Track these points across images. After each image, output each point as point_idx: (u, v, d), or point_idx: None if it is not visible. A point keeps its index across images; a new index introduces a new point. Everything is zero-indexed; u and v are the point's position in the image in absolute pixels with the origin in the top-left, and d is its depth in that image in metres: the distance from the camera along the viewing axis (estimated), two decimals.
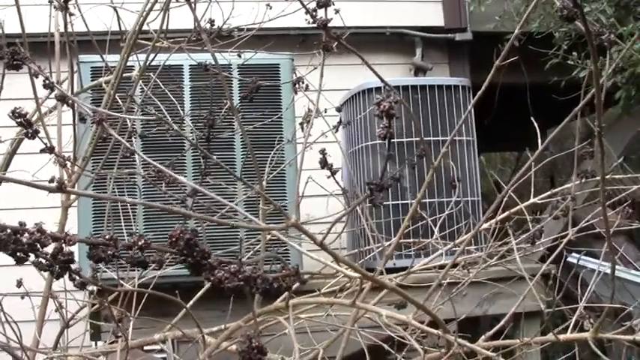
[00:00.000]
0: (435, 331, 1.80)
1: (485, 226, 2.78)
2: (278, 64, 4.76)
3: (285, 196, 4.53)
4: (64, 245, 1.06)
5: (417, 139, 4.88)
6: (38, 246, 1.05)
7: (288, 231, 2.67)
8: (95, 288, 2.81)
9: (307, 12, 1.75)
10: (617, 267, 5.59)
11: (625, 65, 5.40)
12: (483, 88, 2.10)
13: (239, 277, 1.08)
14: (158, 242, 1.23)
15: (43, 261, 1.14)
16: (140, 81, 3.14)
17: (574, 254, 5.52)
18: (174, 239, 1.03)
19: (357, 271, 1.59)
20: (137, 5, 3.09)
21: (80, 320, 3.31)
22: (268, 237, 3.25)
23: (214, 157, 1.46)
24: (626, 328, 1.88)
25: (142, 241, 1.09)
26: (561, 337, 1.96)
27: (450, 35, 6.92)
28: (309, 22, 1.77)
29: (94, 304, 3.34)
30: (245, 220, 1.33)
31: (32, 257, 1.13)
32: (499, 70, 2.10)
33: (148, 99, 3.24)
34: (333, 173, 1.66)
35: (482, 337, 2.02)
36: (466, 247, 2.94)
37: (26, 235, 1.03)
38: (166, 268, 3.17)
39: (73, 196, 3.00)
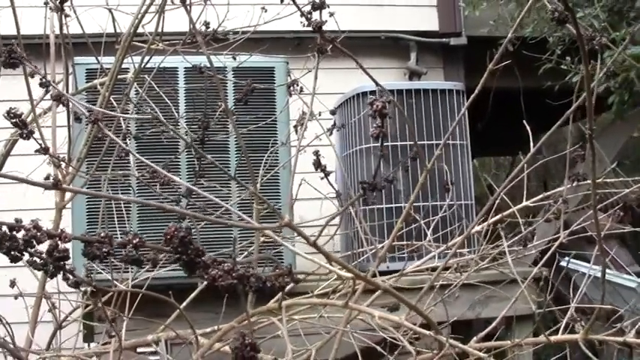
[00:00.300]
0: (428, 332, 1.81)
1: (477, 228, 2.80)
2: (273, 67, 4.77)
3: (279, 199, 4.54)
4: (59, 242, 1.07)
5: (411, 142, 4.89)
6: (34, 242, 1.05)
7: (281, 232, 2.68)
8: (89, 289, 2.82)
9: (302, 14, 1.76)
10: (608, 271, 5.61)
11: (618, 70, 5.42)
12: (476, 92, 2.11)
13: (232, 276, 1.09)
14: (152, 244, 1.24)
15: (38, 260, 1.15)
16: (135, 83, 3.14)
17: (567, 258, 5.54)
18: (168, 237, 1.04)
19: (350, 271, 1.60)
20: (133, 8, 3.10)
21: (73, 321, 3.31)
22: (262, 239, 3.26)
23: (209, 157, 1.47)
24: (617, 330, 1.90)
25: (137, 240, 1.10)
26: (552, 338, 1.97)
27: (444, 40, 6.93)
28: (304, 25, 1.78)
29: (87, 305, 3.35)
30: (239, 220, 1.34)
31: (26, 257, 1.14)
32: (492, 74, 2.11)
33: (142, 101, 3.25)
34: (327, 174, 1.67)
35: (474, 338, 2.03)
36: (459, 250, 2.95)
37: (23, 231, 1.04)
38: (159, 269, 3.18)
39: (67, 197, 3.00)
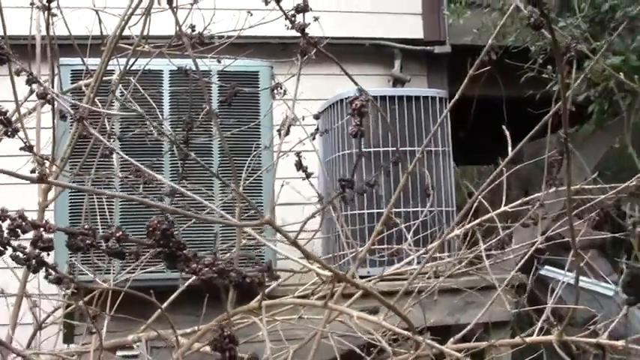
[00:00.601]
0: (405, 333, 1.84)
1: (457, 232, 2.83)
2: (257, 72, 4.80)
3: (261, 202, 4.56)
4: (43, 233, 1.09)
5: (394, 148, 4.94)
6: (19, 232, 1.07)
7: (262, 232, 2.70)
8: (70, 290, 2.82)
9: (286, 17, 1.79)
10: (587, 280, 5.64)
11: (598, 80, 5.48)
12: (457, 97, 2.14)
13: (213, 270, 1.11)
14: (135, 238, 1.26)
15: (21, 255, 1.16)
16: (120, 85, 3.16)
17: (547, 267, 5.59)
18: (151, 229, 1.06)
19: (329, 270, 1.63)
20: (119, 10, 3.11)
21: (54, 323, 3.32)
22: (244, 242, 3.28)
23: (192, 157, 1.50)
24: (590, 332, 1.94)
25: (120, 233, 1.12)
26: (528, 339, 2.01)
27: (428, 48, 6.98)
28: (288, 28, 1.81)
29: (68, 306, 3.35)
30: (220, 218, 1.37)
31: (9, 251, 1.15)
32: (474, 81, 2.14)
33: (127, 102, 3.26)
34: (308, 176, 1.69)
35: (451, 339, 2.06)
36: (439, 255, 2.98)
37: (8, 221, 1.06)
38: (140, 272, 3.19)
39: (50, 197, 3.01)
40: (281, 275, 3.44)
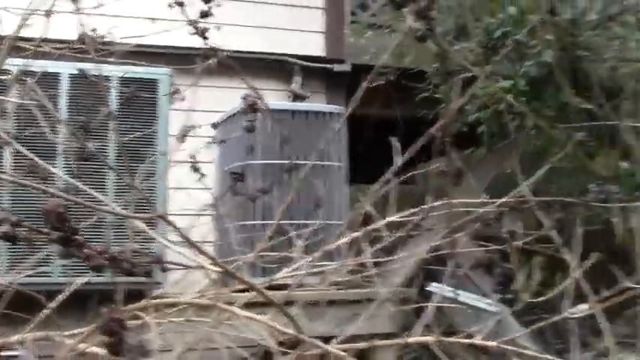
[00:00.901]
0: (290, 332, 1.90)
1: (342, 241, 2.90)
2: (157, 79, 4.81)
3: (155, 205, 4.56)
4: None
5: (292, 161, 5.01)
6: None
7: (155, 227, 2.70)
8: None
9: (190, 23, 1.84)
10: (470, 295, 5.79)
11: (488, 102, 5.67)
12: (348, 112, 2.21)
13: (104, 257, 1.15)
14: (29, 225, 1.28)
15: None
16: (17, 85, 3.13)
17: (434, 284, 5.73)
18: (47, 211, 1.09)
19: (219, 265, 1.68)
20: (21, 10, 3.09)
21: None
22: (137, 246, 3.28)
23: (89, 149, 1.53)
24: (466, 335, 2.03)
25: (15, 218, 1.14)
26: (409, 340, 2.09)
27: (329, 65, 7.07)
28: (190, 33, 1.86)
29: None
30: (113, 209, 1.40)
31: None
32: (372, 100, 2.20)
33: (23, 103, 3.23)
34: (202, 176, 1.75)
35: (334, 340, 2.13)
36: (327, 264, 3.04)
37: None
38: (23, 274, 3.15)
39: None
40: (172, 270, 3.44)
